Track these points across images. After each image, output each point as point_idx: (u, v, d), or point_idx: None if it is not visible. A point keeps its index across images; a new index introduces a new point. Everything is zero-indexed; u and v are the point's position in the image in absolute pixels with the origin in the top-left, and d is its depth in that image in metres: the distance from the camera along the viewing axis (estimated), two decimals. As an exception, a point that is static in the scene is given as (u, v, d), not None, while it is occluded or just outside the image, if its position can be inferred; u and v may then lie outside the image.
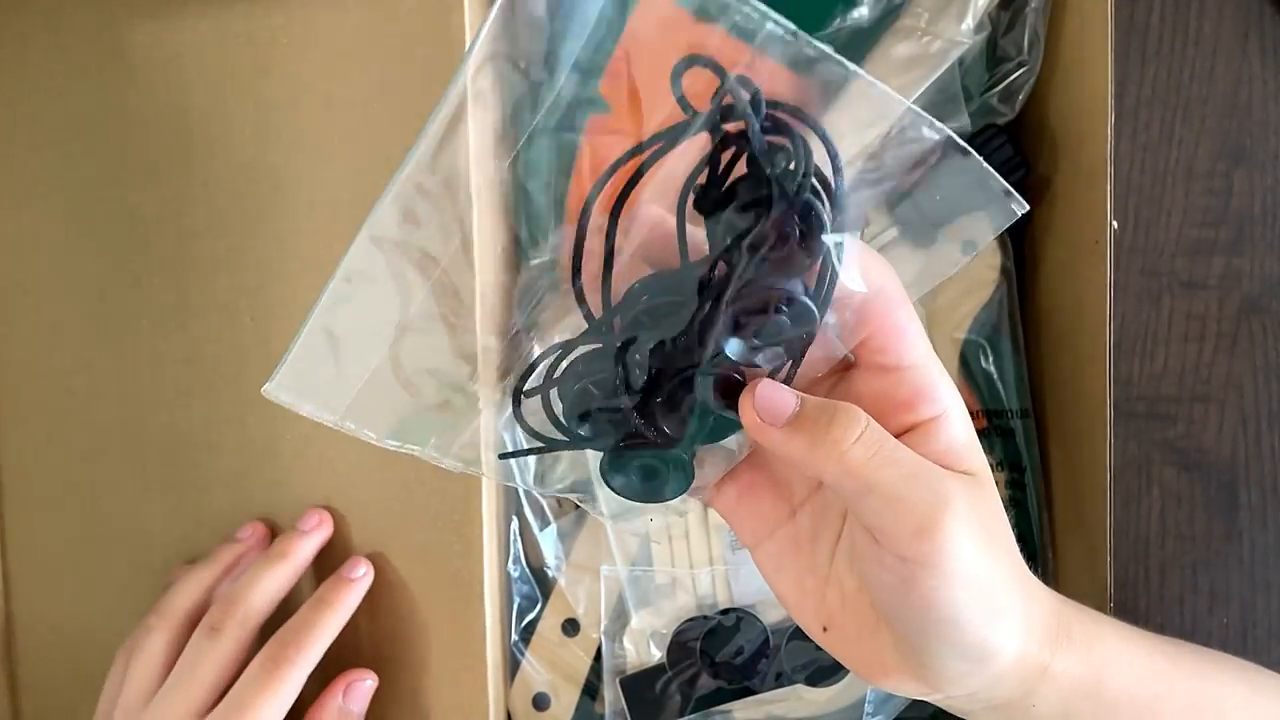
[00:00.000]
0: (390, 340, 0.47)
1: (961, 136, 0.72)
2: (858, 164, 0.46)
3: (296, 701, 0.64)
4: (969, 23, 0.71)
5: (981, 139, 0.73)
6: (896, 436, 0.47)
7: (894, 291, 0.47)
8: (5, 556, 0.76)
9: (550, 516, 0.75)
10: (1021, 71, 0.74)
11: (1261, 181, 0.85)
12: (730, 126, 0.41)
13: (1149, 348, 0.86)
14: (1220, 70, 0.84)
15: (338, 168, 0.67)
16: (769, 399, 0.46)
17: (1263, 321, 0.85)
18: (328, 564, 0.69)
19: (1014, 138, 0.74)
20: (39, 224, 0.73)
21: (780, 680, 0.75)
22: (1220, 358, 0.86)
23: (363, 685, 0.68)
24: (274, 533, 0.71)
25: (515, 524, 0.75)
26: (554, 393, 0.48)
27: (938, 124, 0.44)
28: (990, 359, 0.77)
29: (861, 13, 0.73)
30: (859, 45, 0.73)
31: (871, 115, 0.72)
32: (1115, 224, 0.68)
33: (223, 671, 0.63)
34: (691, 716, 0.75)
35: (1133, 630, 0.55)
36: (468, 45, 0.63)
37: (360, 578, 0.68)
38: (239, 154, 0.69)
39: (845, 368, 0.49)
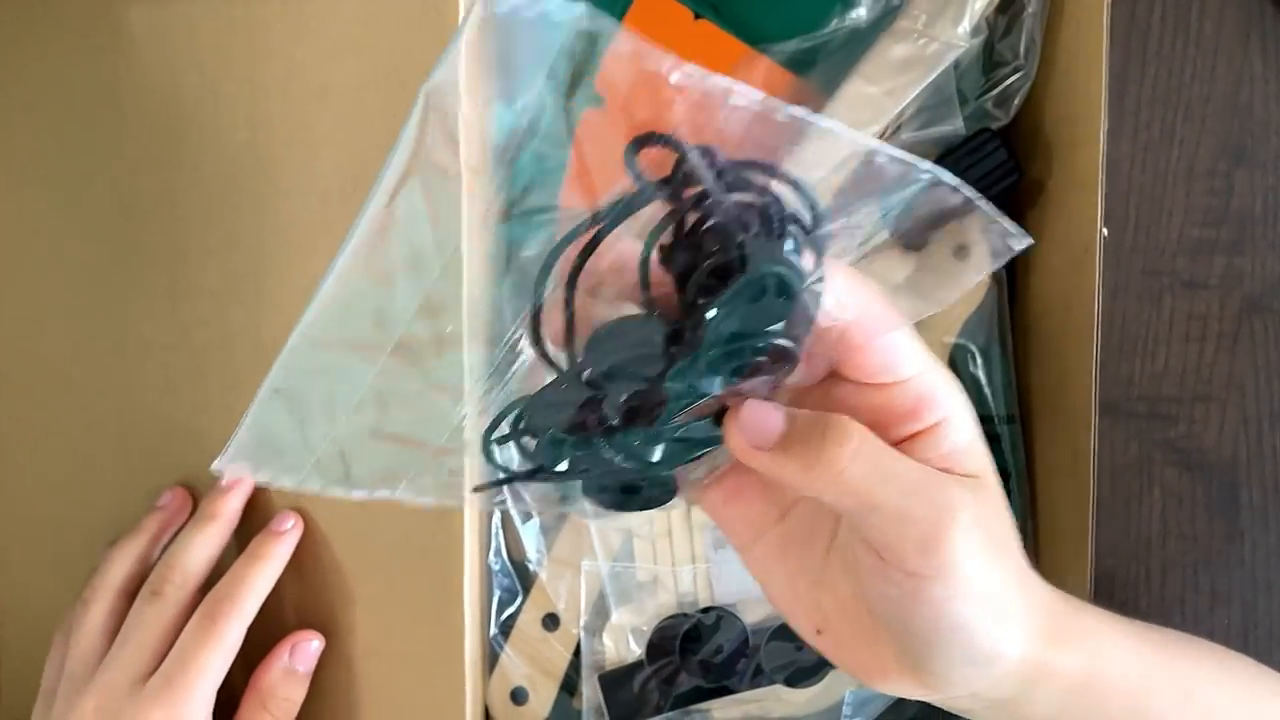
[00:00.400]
0: (353, 403, 0.46)
1: (955, 140, 0.72)
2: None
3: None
4: (966, 26, 0.71)
5: (975, 143, 0.72)
6: (898, 443, 0.45)
7: (878, 311, 0.45)
8: None
9: (533, 510, 0.75)
10: (1017, 76, 0.74)
11: (1263, 181, 0.84)
12: (691, 191, 0.40)
13: (1150, 347, 0.86)
14: (1221, 70, 0.84)
15: (328, 156, 0.67)
16: (755, 421, 0.44)
17: (1264, 321, 0.85)
18: (306, 551, 0.70)
19: (1007, 142, 0.73)
20: (33, 207, 0.73)
21: (759, 680, 0.75)
22: (1221, 357, 0.86)
23: (309, 646, 0.68)
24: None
25: (497, 517, 0.75)
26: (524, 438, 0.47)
27: (930, 166, 0.42)
28: (979, 364, 0.77)
29: (859, 13, 0.73)
30: (856, 46, 0.73)
31: (867, 117, 0.72)
32: (1105, 231, 0.67)
33: (166, 633, 0.64)
34: (669, 714, 0.76)
35: (1120, 620, 0.54)
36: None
37: (289, 530, 0.68)
38: (231, 140, 0.68)
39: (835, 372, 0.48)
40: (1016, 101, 0.74)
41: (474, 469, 0.48)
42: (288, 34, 0.67)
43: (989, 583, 0.45)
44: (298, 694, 0.68)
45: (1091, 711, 0.51)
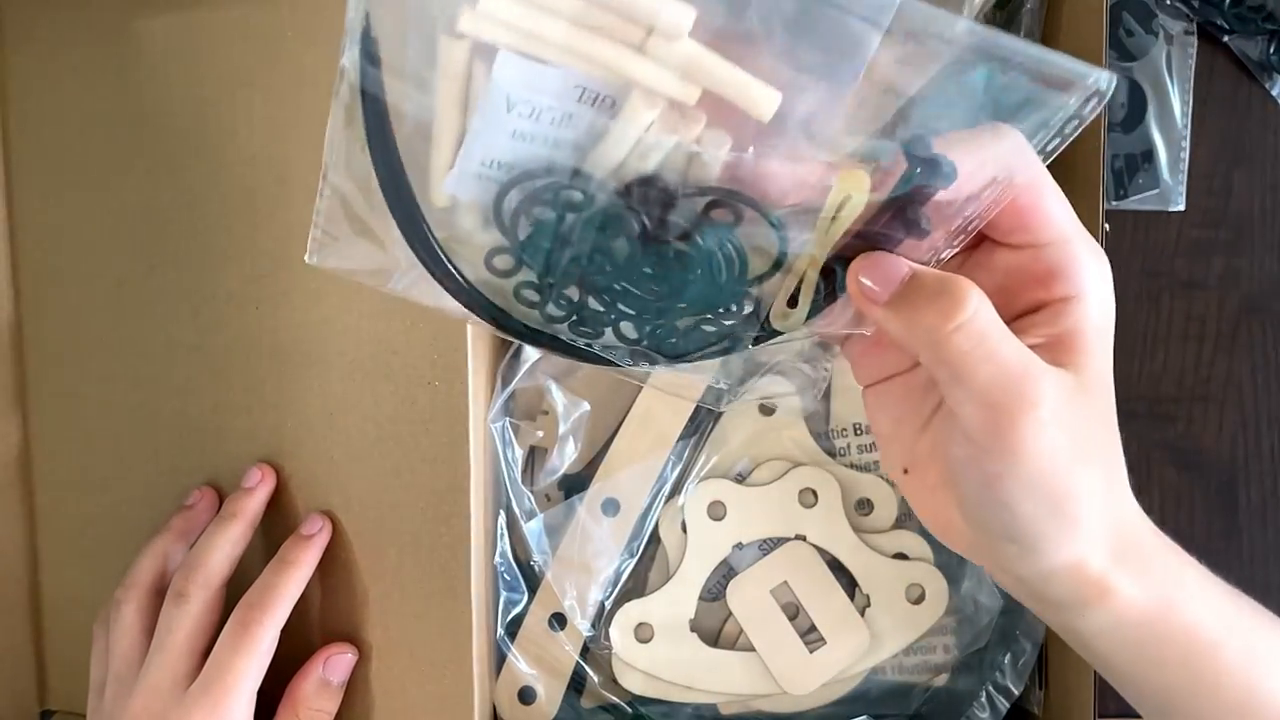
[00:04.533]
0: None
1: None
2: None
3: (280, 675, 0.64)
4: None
5: None
6: (1024, 314, 0.45)
7: (1027, 172, 0.43)
8: (35, 536, 0.75)
9: (538, 510, 0.72)
10: None
11: (1261, 181, 0.82)
12: None
13: (1149, 347, 0.83)
14: (1220, 69, 0.81)
15: None
16: (876, 271, 0.43)
17: (1262, 321, 0.82)
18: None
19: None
20: (65, 213, 0.72)
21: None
22: (1220, 357, 0.83)
23: (343, 658, 0.67)
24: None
25: (503, 518, 0.72)
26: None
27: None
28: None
29: None
30: None
31: (866, 115, 0.68)
32: (1108, 226, 0.64)
33: (196, 634, 0.63)
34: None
35: (1200, 567, 0.50)
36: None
37: (318, 533, 0.66)
38: (247, 145, 0.67)
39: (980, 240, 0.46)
40: (1015, 98, 0.70)
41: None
42: (299, 42, 0.65)
43: (1050, 478, 0.43)
44: (330, 705, 0.67)
45: (1147, 648, 0.48)
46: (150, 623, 0.64)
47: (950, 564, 0.72)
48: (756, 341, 0.47)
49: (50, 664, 0.76)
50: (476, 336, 0.65)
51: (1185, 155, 0.81)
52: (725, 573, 0.72)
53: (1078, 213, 0.66)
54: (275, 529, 0.67)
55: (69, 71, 0.70)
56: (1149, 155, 0.81)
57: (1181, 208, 0.81)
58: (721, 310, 0.46)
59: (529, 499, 0.72)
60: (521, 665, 0.72)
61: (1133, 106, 0.80)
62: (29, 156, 0.72)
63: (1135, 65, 0.80)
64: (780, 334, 0.47)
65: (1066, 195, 0.68)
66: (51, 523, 0.75)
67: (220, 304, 0.68)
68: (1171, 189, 0.81)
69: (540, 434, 0.71)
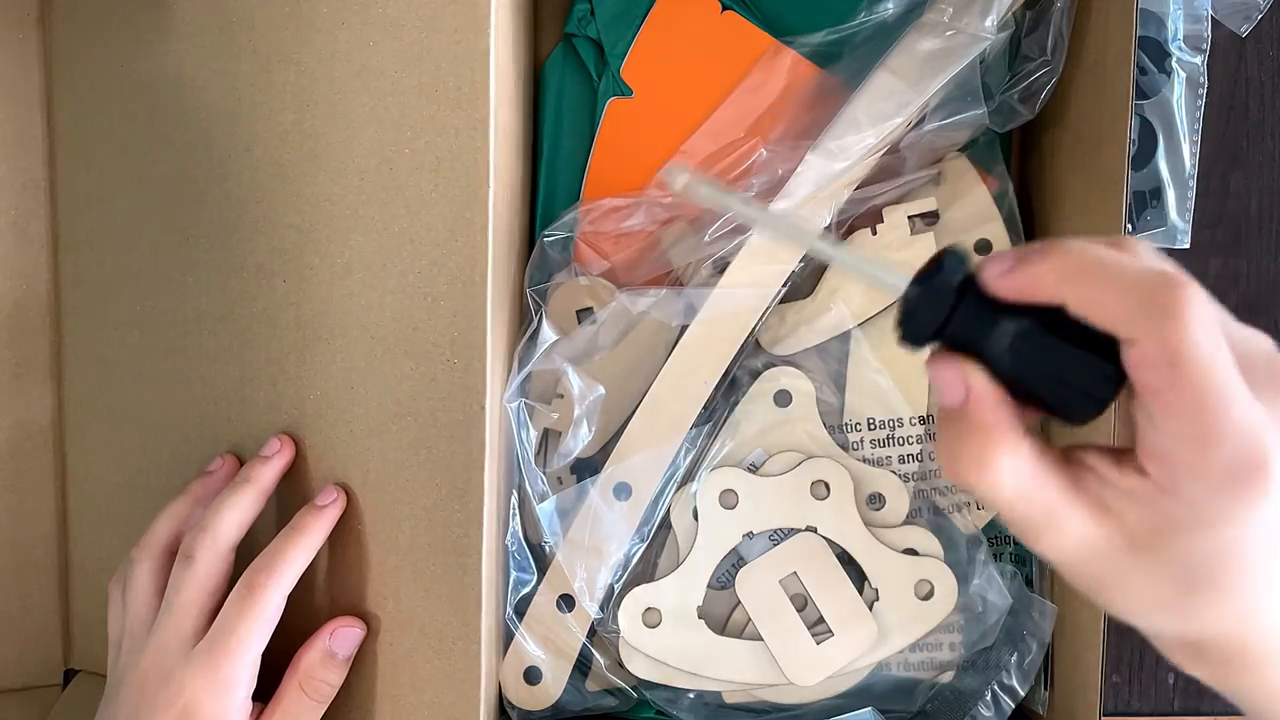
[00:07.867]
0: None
1: (979, 129, 0.66)
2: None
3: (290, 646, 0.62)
4: (993, 19, 0.64)
5: None
6: None
7: None
8: (65, 499, 0.74)
9: (550, 492, 0.69)
10: (1043, 72, 0.67)
11: (1258, 182, 0.79)
12: None
13: None
14: (1217, 72, 0.78)
15: (366, 135, 0.62)
16: None
17: (1260, 323, 0.77)
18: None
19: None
20: (104, 182, 0.69)
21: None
22: None
23: (351, 632, 0.63)
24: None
25: (515, 498, 0.69)
26: None
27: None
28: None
29: (887, 7, 0.67)
30: (883, 39, 0.67)
31: (891, 109, 0.64)
32: (1130, 227, 0.60)
33: (203, 594, 0.60)
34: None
35: None
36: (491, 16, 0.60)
37: (331, 504, 0.63)
38: (279, 120, 0.64)
39: None
40: (1042, 97, 0.68)
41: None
42: (332, 18, 0.62)
43: None
44: (335, 678, 0.63)
45: None
46: (163, 583, 0.62)
47: (960, 562, 0.69)
48: None
49: (76, 625, 0.75)
50: (495, 317, 0.62)
51: (1192, 196, 0.78)
52: (735, 561, 0.70)
53: (1103, 209, 0.63)
54: (291, 499, 0.64)
55: (111, 43, 0.68)
56: (1157, 193, 0.78)
57: (1186, 245, 0.78)
58: None
59: (542, 480, 0.69)
60: (528, 645, 0.69)
61: (1143, 144, 0.78)
62: (71, 127, 0.70)
63: (1147, 104, 0.78)
64: None
65: (1089, 196, 0.64)
66: (81, 487, 0.73)
67: (248, 276, 0.65)
68: (1178, 229, 0.78)
69: (555, 416, 0.69)
